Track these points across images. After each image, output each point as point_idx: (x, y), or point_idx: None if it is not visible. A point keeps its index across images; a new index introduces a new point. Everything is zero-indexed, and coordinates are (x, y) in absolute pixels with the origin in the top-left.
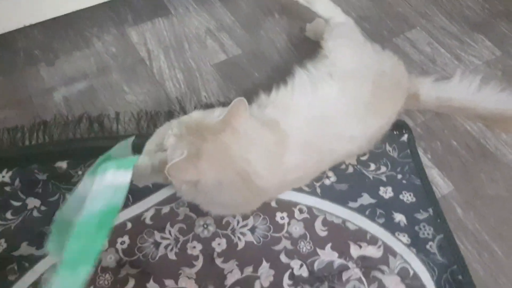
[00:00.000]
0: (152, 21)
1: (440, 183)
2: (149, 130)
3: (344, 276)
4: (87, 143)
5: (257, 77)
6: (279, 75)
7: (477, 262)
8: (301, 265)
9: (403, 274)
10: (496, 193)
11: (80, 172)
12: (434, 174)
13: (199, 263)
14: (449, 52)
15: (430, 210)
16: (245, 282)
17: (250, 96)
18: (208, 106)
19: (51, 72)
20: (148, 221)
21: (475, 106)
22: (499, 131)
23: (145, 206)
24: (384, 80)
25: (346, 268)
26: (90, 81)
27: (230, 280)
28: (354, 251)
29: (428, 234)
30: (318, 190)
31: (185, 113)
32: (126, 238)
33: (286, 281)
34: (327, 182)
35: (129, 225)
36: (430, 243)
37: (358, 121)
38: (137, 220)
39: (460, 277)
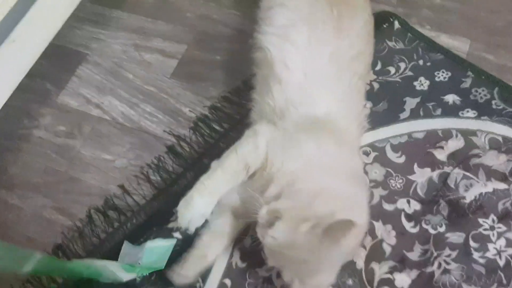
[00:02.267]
0: (74, 74)
1: (456, 44)
2: (167, 178)
3: (450, 182)
4: (117, 235)
5: (221, 60)
6: (239, 45)
7: None
8: (408, 201)
9: (495, 144)
10: (505, 21)
11: None
12: (445, 40)
13: None
14: None
15: (469, 72)
16: (374, 251)
17: (232, 82)
18: (201, 117)
19: (17, 193)
20: None
21: None
22: None
23: None
24: None
25: (446, 175)
26: (65, 174)
27: None
28: (440, 154)
29: (485, 95)
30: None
31: (184, 140)
32: None
33: (406, 224)
34: (364, 111)
35: None
36: (493, 101)
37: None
38: None
39: None
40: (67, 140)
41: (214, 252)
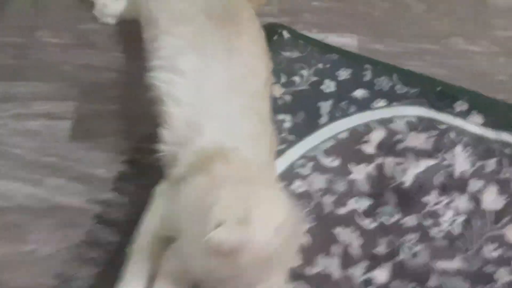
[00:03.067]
0: None
1: (345, 41)
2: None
3: (387, 171)
4: None
5: (118, 108)
6: (131, 87)
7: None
8: (356, 201)
9: (412, 126)
10: (381, 10)
11: None
12: (334, 39)
13: None
14: None
15: (366, 65)
16: (344, 257)
17: (140, 128)
18: (121, 175)
19: None
20: None
21: None
22: None
23: None
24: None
25: (381, 165)
26: None
27: None
28: (368, 148)
29: (387, 83)
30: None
31: (110, 205)
32: None
33: (364, 222)
34: (287, 125)
35: None
36: (396, 87)
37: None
38: None
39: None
40: None
41: None
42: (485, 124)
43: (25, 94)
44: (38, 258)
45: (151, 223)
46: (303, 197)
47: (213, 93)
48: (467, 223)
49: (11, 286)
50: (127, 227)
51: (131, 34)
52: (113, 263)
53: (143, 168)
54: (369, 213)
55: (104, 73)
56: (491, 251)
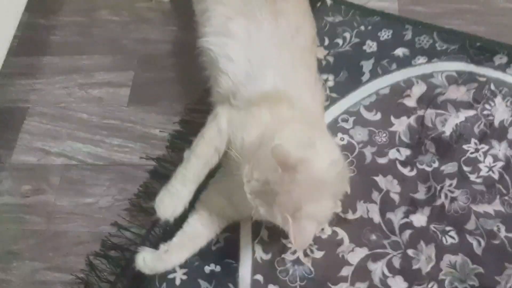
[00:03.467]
0: (21, 131)
1: (385, 4)
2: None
3: (427, 122)
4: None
5: (174, 76)
6: (187, 56)
7: None
8: (398, 150)
9: (452, 79)
10: None
11: None
12: (375, 4)
13: None
14: None
15: (407, 26)
16: (384, 203)
17: (192, 93)
18: (174, 133)
19: None
20: None
21: None
22: None
23: None
24: None
25: (421, 117)
26: (47, 231)
27: None
28: (409, 102)
29: (427, 41)
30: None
31: (164, 160)
32: None
33: (404, 170)
34: (330, 84)
35: None
36: (436, 44)
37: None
38: None
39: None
40: (37, 197)
41: (179, 253)
42: None
43: (89, 66)
44: (98, 209)
45: (213, 136)
46: (346, 148)
47: (265, 49)
48: (506, 168)
49: (75, 232)
50: None
51: (182, 9)
52: None
53: (195, 127)
54: (409, 161)
55: (159, 45)
56: None
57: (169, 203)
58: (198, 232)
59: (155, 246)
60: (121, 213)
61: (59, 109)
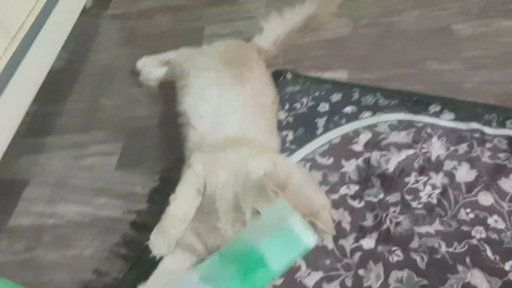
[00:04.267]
0: (20, 198)
1: (337, 75)
2: (137, 248)
3: (373, 162)
4: None
5: (157, 142)
6: (167, 126)
7: None
8: (348, 187)
9: (394, 127)
10: (365, 51)
11: None
12: (328, 75)
13: None
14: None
15: (354, 89)
16: (338, 231)
17: (172, 155)
18: (155, 189)
19: None
20: None
21: (292, 26)
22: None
23: None
24: (229, 57)
25: (368, 158)
26: (34, 282)
27: None
28: (357, 147)
29: (371, 99)
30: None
31: (144, 213)
32: None
33: (353, 203)
34: (289, 138)
35: None
36: (379, 101)
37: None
38: None
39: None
40: (29, 253)
41: None
42: (456, 119)
43: (85, 140)
44: (81, 259)
45: (192, 179)
46: None
47: (231, 108)
48: (443, 194)
49: (59, 281)
50: None
51: (168, 90)
52: (143, 255)
53: (172, 182)
54: (358, 195)
55: (146, 120)
56: (466, 214)
57: (162, 241)
58: (172, 270)
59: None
60: (102, 261)
61: (56, 178)
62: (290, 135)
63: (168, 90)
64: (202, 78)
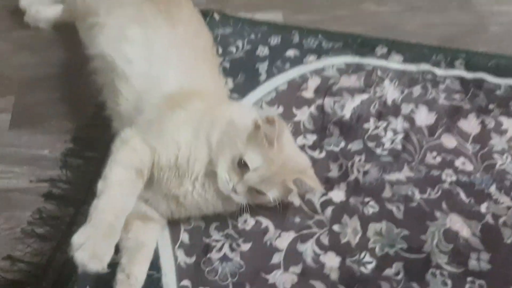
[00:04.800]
0: None
1: (271, 16)
2: (60, 223)
3: (327, 109)
4: None
5: (61, 95)
6: (70, 75)
7: None
8: (304, 136)
9: (342, 71)
10: None
11: None
12: (261, 16)
13: None
14: None
15: (293, 31)
16: None
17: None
18: (67, 152)
19: None
20: None
21: None
22: None
23: None
24: None
25: (321, 105)
26: None
27: None
28: (307, 93)
29: (313, 42)
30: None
31: (59, 180)
32: None
33: (314, 154)
34: (229, 86)
35: None
36: (322, 43)
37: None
38: None
39: None
40: None
41: (139, 269)
42: (405, 60)
43: None
44: None
45: (128, 157)
46: None
47: (165, 51)
48: (406, 139)
49: None
50: (82, 199)
51: (63, 32)
52: (69, 231)
53: (88, 142)
54: (317, 145)
55: (42, 68)
56: (433, 158)
57: (94, 263)
58: (143, 241)
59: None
60: (12, 243)
61: None
62: (230, 83)
63: (66, 31)
64: (118, 15)
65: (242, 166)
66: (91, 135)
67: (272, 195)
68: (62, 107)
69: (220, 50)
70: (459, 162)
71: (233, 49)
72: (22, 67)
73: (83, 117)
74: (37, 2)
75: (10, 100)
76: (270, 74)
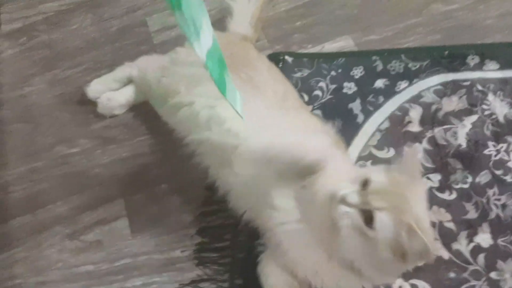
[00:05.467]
0: None
1: (342, 44)
2: None
3: (440, 141)
4: None
5: (168, 187)
6: (168, 161)
7: None
8: (427, 178)
9: (441, 93)
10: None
11: None
12: (331, 46)
13: None
14: None
15: (374, 57)
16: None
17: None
18: (198, 247)
19: None
20: None
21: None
22: None
23: None
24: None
25: (433, 138)
26: None
27: None
28: (413, 127)
29: (399, 65)
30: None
31: (201, 280)
32: None
33: (444, 195)
34: None
35: None
36: (409, 65)
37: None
38: None
39: None
40: None
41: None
42: (502, 67)
43: (69, 211)
44: None
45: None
46: None
47: (266, 120)
48: None
49: None
50: None
51: (143, 116)
52: None
53: (214, 232)
54: (444, 185)
55: (135, 160)
56: None
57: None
58: None
59: None
60: None
61: (57, 272)
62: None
63: (146, 115)
64: (201, 93)
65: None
66: (213, 223)
67: (382, 223)
68: (173, 199)
69: (306, 98)
70: None
71: (319, 92)
72: (114, 163)
73: (199, 205)
74: (106, 90)
75: (120, 203)
76: (366, 113)
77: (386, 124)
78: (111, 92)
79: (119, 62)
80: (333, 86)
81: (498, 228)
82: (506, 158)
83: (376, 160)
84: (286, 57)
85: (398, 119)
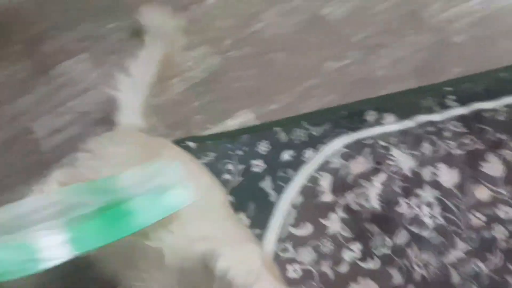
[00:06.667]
0: None
1: (242, 119)
2: None
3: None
4: None
5: None
6: None
7: None
8: None
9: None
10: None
11: None
12: (232, 123)
13: None
14: None
15: (275, 129)
16: None
17: None
18: None
19: None
20: None
21: (148, 82)
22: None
23: None
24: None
25: None
26: None
27: None
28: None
29: (300, 133)
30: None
31: None
32: None
33: None
34: (246, 223)
35: None
36: (312, 131)
37: None
38: None
39: None
40: None
41: None
42: (399, 118)
43: None
44: None
45: None
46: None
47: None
48: (444, 209)
49: None
50: None
51: None
52: None
53: None
54: (367, 254)
55: None
56: (477, 219)
57: None
58: None
59: None
60: None
61: None
62: (244, 218)
63: None
64: None
65: None
66: None
67: None
68: None
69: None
70: (502, 213)
71: (228, 176)
72: None
73: None
74: None
75: None
76: (278, 190)
77: (300, 199)
78: None
79: None
80: (241, 167)
81: (424, 286)
82: (418, 213)
83: (296, 241)
84: (188, 143)
85: (310, 191)
